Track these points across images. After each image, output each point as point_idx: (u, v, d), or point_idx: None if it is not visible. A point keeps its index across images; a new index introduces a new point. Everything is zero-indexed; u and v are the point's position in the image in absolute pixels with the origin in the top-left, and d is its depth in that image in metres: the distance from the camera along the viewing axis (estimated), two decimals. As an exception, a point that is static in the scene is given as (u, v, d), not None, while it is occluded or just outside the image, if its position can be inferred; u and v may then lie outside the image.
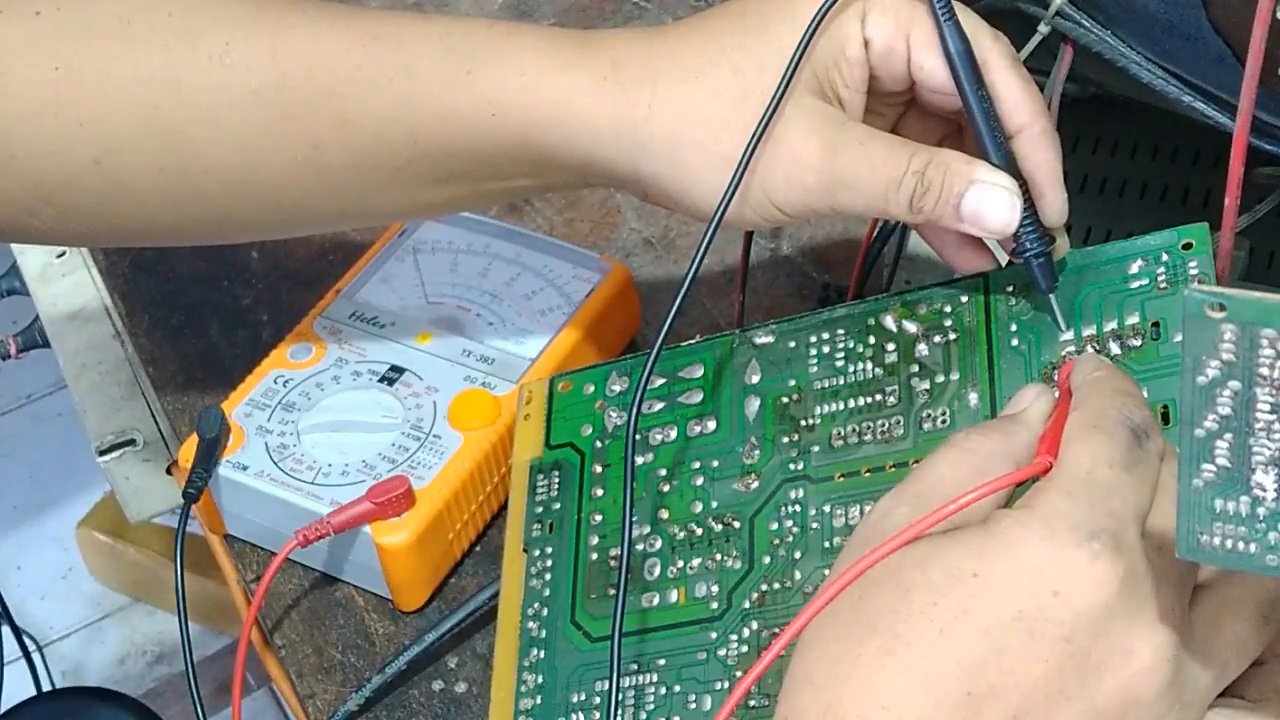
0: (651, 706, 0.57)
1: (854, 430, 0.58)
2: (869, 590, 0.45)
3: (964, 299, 0.59)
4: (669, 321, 0.57)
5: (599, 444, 0.63)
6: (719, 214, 0.57)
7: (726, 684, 0.56)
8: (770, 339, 0.62)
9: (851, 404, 0.59)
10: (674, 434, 0.62)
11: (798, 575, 0.57)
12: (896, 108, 0.60)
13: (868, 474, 0.57)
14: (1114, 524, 0.44)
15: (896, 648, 0.43)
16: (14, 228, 0.63)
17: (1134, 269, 0.56)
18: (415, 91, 0.59)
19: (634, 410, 0.58)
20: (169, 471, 0.86)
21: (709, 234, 0.57)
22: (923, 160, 0.56)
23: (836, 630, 0.45)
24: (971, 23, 0.56)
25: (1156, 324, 0.55)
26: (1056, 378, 0.53)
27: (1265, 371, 0.39)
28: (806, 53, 0.56)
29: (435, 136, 0.60)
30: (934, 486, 0.47)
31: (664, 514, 0.60)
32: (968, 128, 0.57)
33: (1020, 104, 0.56)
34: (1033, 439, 0.48)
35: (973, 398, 0.57)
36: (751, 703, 0.55)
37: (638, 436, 0.62)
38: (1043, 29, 0.61)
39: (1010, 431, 0.48)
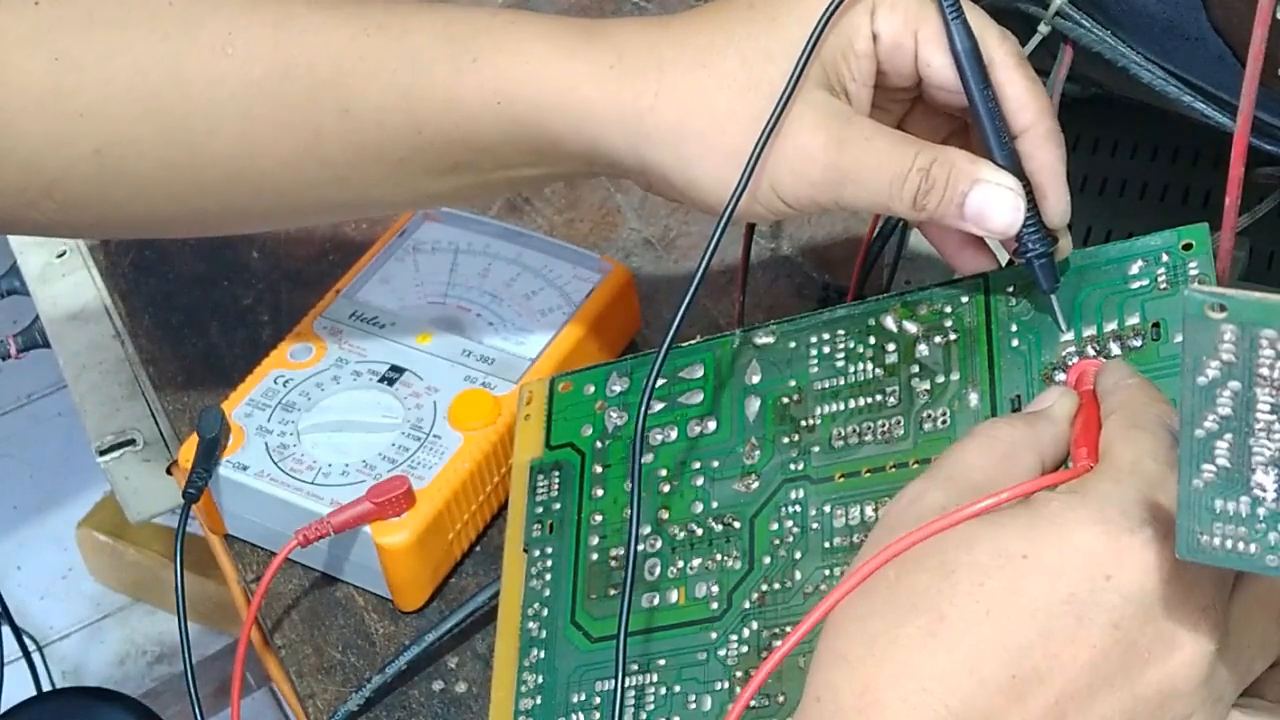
0: (652, 707, 0.57)
1: (854, 431, 0.58)
2: (908, 570, 0.44)
3: (964, 299, 0.59)
4: (676, 323, 0.57)
5: (599, 444, 0.63)
6: (728, 211, 0.57)
7: (726, 684, 0.56)
8: (770, 339, 0.62)
9: (852, 404, 0.59)
10: (674, 434, 0.62)
11: (798, 575, 0.57)
12: (903, 104, 0.60)
13: (868, 474, 0.57)
14: (1163, 514, 0.44)
15: (940, 628, 0.43)
16: (13, 219, 0.63)
17: (1134, 269, 0.56)
18: (419, 81, 0.59)
19: (641, 411, 0.58)
20: (169, 471, 0.86)
21: (719, 229, 0.57)
22: (928, 158, 0.56)
23: (873, 607, 0.44)
24: (979, 21, 0.56)
25: (1157, 324, 0.55)
26: (1066, 379, 0.53)
27: (1265, 372, 0.39)
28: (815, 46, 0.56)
29: (439, 126, 0.60)
30: (964, 472, 0.47)
31: (664, 514, 0.60)
32: (973, 126, 0.57)
33: (1026, 104, 0.56)
34: (1058, 433, 0.48)
35: (973, 398, 0.57)
36: (752, 703, 0.55)
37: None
38: (1043, 29, 0.61)
39: (1036, 423, 0.49)
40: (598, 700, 0.58)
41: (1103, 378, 0.50)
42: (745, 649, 0.56)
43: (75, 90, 0.60)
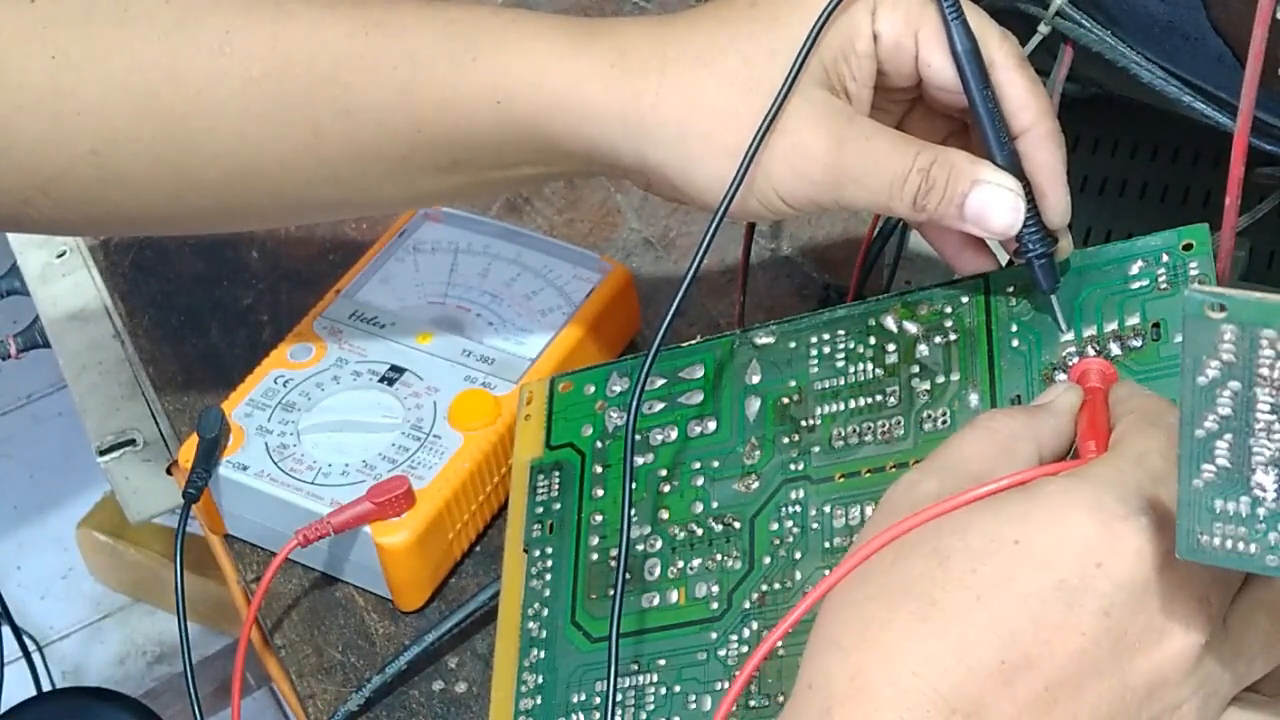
0: (651, 707, 0.57)
1: (854, 431, 0.58)
2: (903, 556, 0.44)
3: (965, 300, 0.59)
4: (669, 318, 0.57)
5: (599, 444, 0.63)
6: (722, 207, 0.57)
7: (726, 684, 0.56)
8: (771, 339, 0.62)
9: (852, 404, 0.59)
10: (674, 434, 0.62)
11: (798, 575, 0.57)
12: (903, 105, 0.60)
13: (868, 474, 0.57)
14: (1163, 506, 0.44)
15: (932, 614, 0.43)
16: (9, 217, 0.63)
17: (1134, 270, 0.56)
18: (418, 80, 0.59)
19: (633, 410, 0.58)
20: (169, 471, 0.86)
21: (713, 226, 0.57)
22: (928, 158, 0.56)
23: (867, 593, 0.44)
24: (980, 21, 0.56)
25: (1157, 324, 0.55)
26: (1069, 378, 0.53)
27: (1265, 372, 0.39)
28: (815, 45, 0.56)
29: (439, 124, 0.59)
30: (960, 463, 0.47)
31: (664, 514, 0.60)
32: (973, 126, 0.57)
33: (1026, 104, 0.56)
34: (1058, 425, 0.49)
35: (973, 398, 0.57)
36: (751, 702, 0.55)
37: (638, 437, 0.62)
38: (1043, 29, 0.61)
39: (1036, 415, 0.49)
40: (598, 700, 0.58)
41: (1117, 389, 0.50)
42: (745, 649, 0.56)
43: (72, 89, 0.60)
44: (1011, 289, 0.58)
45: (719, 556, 0.59)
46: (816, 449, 0.59)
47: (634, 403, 0.57)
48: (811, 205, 0.58)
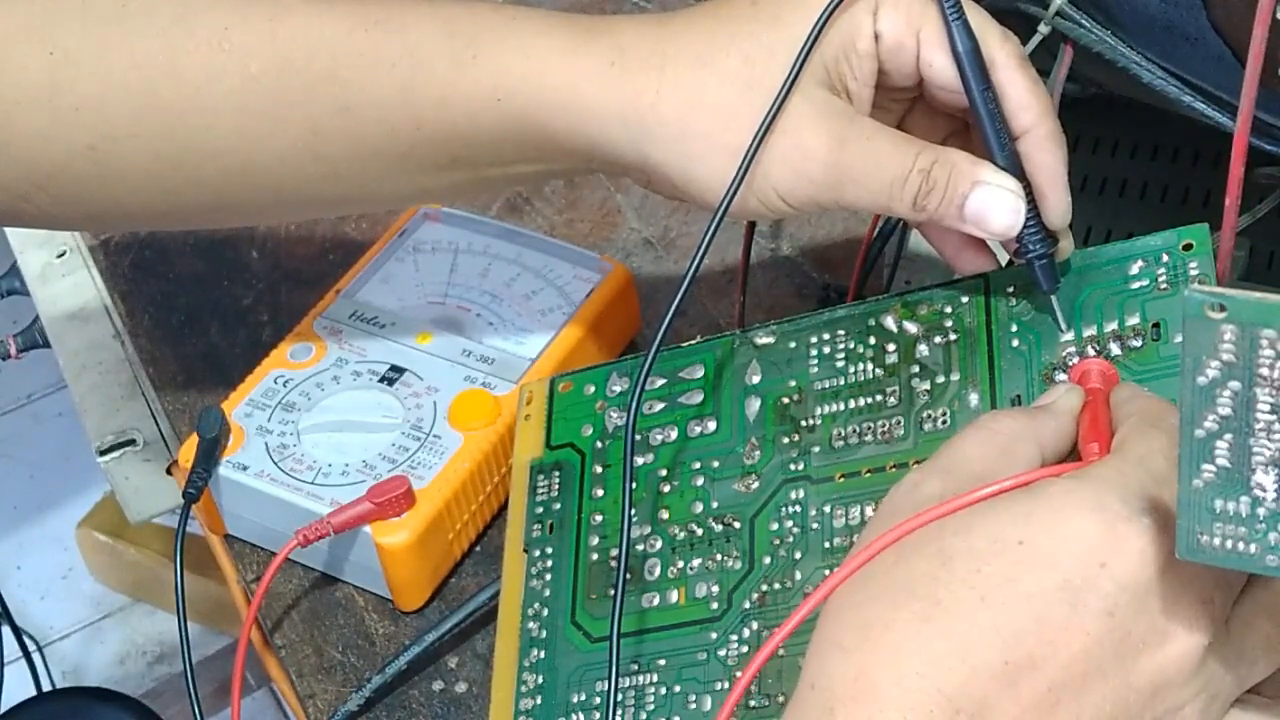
0: (651, 707, 0.57)
1: (854, 431, 0.58)
2: (906, 557, 0.45)
3: (965, 300, 0.59)
4: (669, 318, 0.57)
5: (599, 444, 0.63)
6: (722, 207, 0.57)
7: (726, 684, 0.56)
8: (771, 339, 0.62)
9: (852, 404, 0.59)
10: (674, 434, 0.62)
11: (798, 575, 0.57)
12: (903, 104, 0.60)
13: (868, 474, 0.57)
14: (1165, 507, 0.44)
15: (935, 614, 0.43)
16: (7, 212, 0.63)
17: (1134, 270, 0.56)
18: (418, 77, 0.59)
19: (632, 409, 0.58)
20: (169, 471, 0.86)
21: (713, 225, 0.57)
22: (928, 159, 0.56)
23: (869, 594, 0.44)
24: (981, 22, 0.56)
25: (1157, 325, 0.55)
26: (1069, 378, 0.53)
27: (1265, 372, 0.39)
28: (816, 44, 0.56)
29: (438, 122, 0.59)
30: (961, 464, 0.47)
31: (664, 514, 0.60)
32: (974, 127, 0.57)
33: (1027, 105, 0.56)
34: (1059, 426, 0.49)
35: (973, 398, 0.57)
36: (752, 703, 0.55)
37: (638, 437, 0.62)
38: (1043, 29, 0.61)
39: (1037, 417, 0.49)
40: (598, 700, 0.58)
41: (1119, 391, 0.50)
42: (745, 649, 0.56)
43: (71, 85, 0.59)
44: (1011, 289, 0.58)
45: (719, 556, 0.59)
46: (816, 449, 0.59)
47: (634, 403, 0.58)
48: (811, 205, 0.58)
